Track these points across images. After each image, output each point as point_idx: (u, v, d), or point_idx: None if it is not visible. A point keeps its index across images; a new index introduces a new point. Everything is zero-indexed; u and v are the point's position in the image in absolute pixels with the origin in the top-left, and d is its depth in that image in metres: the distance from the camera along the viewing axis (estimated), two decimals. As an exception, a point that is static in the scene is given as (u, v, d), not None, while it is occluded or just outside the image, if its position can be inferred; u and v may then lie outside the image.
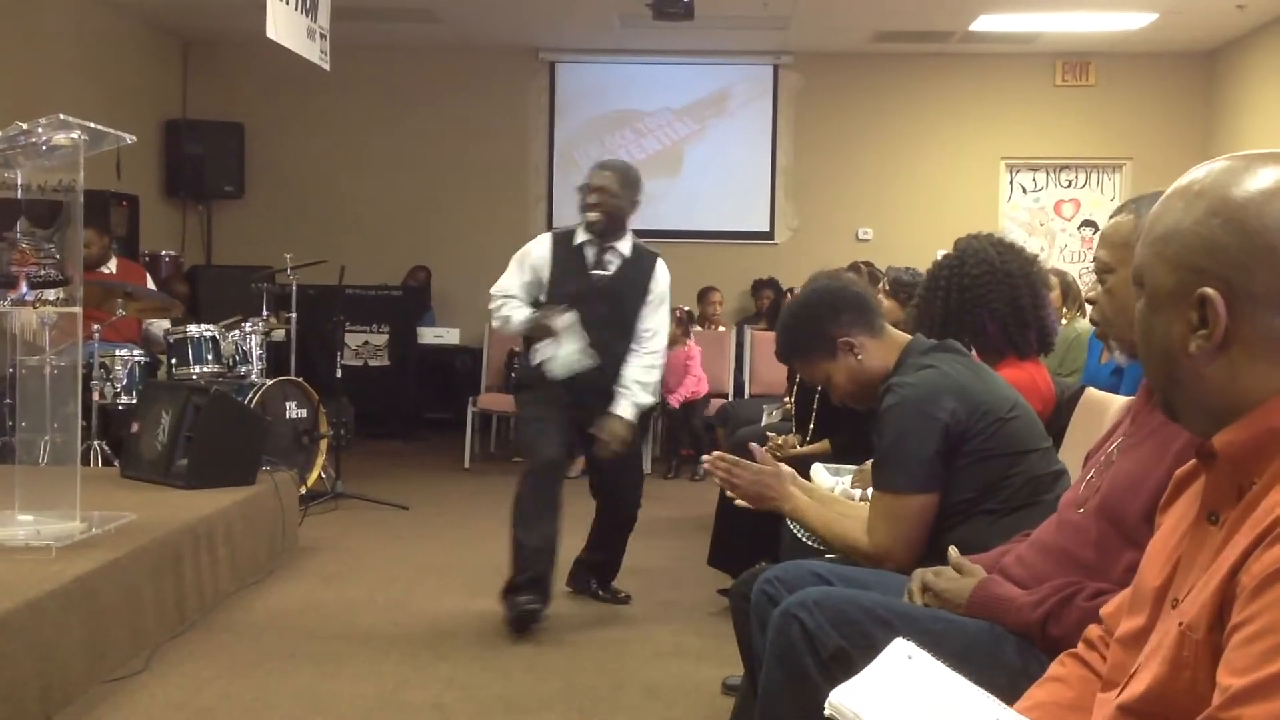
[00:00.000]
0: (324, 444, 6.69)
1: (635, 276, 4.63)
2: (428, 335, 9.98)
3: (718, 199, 10.72)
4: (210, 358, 6.42)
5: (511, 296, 4.69)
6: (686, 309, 8.81)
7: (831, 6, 9.03)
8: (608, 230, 4.57)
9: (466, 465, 8.34)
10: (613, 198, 4.57)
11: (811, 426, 4.82)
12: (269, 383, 6.39)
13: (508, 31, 10.10)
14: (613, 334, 4.60)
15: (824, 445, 4.61)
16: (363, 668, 3.98)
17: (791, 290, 9.47)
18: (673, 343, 8.19)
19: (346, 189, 10.59)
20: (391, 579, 5.20)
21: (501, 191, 10.74)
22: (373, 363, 9.53)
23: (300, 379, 6.69)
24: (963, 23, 9.38)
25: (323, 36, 6.77)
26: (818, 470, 3.93)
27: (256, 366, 6.58)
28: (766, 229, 10.75)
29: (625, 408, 4.56)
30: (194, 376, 6.28)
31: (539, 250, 4.65)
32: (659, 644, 4.34)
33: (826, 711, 1.44)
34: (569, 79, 10.89)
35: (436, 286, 10.56)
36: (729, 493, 2.90)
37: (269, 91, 10.27)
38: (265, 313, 6.88)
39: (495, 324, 4.76)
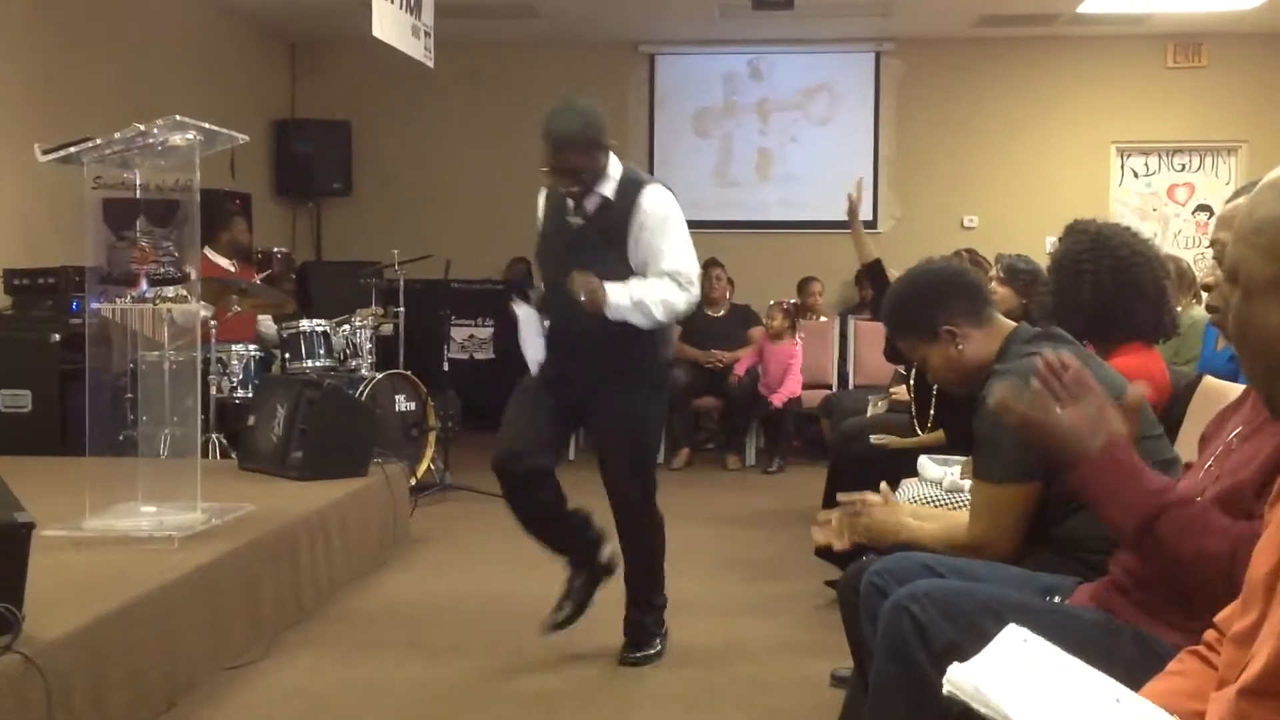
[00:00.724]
0: (432, 436, 6.79)
1: (616, 216, 3.84)
2: (532, 328, 10.04)
3: (818, 189, 10.64)
4: (322, 352, 6.55)
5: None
6: (794, 301, 8.75)
7: (934, -8, 8.93)
8: (590, 187, 3.86)
9: (571, 457, 8.38)
10: (585, 170, 3.81)
11: (931, 414, 4.75)
12: (379, 376, 6.50)
13: (607, 25, 10.14)
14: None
15: (936, 436, 4.56)
16: (474, 657, 4.04)
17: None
18: (778, 335, 8.19)
19: (450, 184, 10.71)
20: (500, 569, 5.26)
21: (602, 184, 10.76)
22: (478, 356, 9.64)
23: (409, 372, 6.80)
24: (1069, 5, 9.21)
25: (427, 34, 6.87)
26: (925, 463, 3.91)
27: (367, 360, 6.70)
28: (869, 218, 10.65)
29: (615, 289, 3.74)
30: (307, 370, 6.41)
31: (540, 202, 4.06)
32: (766, 636, 4.34)
33: (945, 689, 1.43)
34: (669, 71, 10.90)
35: (540, 281, 10.63)
36: (837, 543, 2.86)
37: (374, 89, 10.43)
38: (374, 307, 7.00)
39: None
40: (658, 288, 3.75)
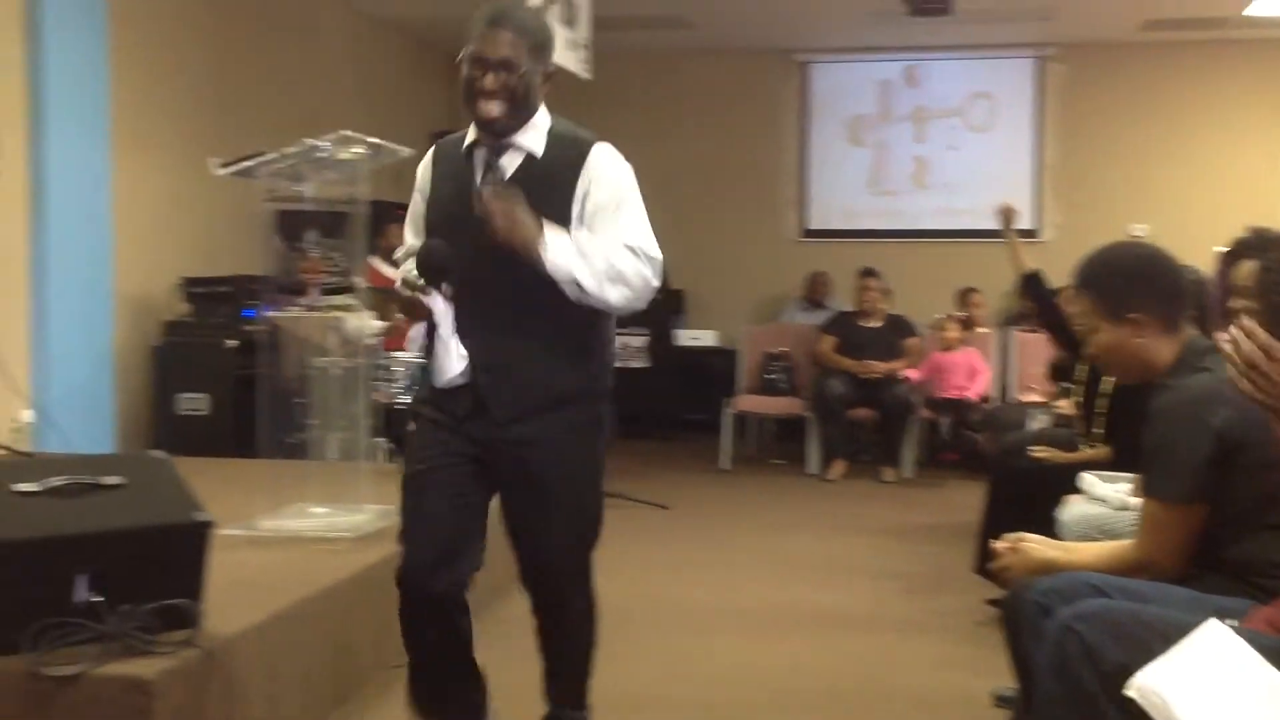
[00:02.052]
0: (586, 444, 6.85)
1: (549, 178, 2.76)
2: (684, 337, 10.10)
3: (978, 197, 10.44)
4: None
5: (412, 251, 2.94)
6: (965, 315, 8.62)
7: (1099, -5, 8.72)
8: (511, 124, 2.77)
9: (724, 466, 8.40)
10: (518, 74, 2.74)
11: (1097, 430, 4.62)
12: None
13: (760, 34, 10.13)
14: (518, 292, 2.72)
15: (1101, 452, 4.44)
16: (627, 663, 4.07)
17: (1059, 290, 9.15)
18: (949, 346, 8.07)
19: (604, 193, 10.80)
20: (653, 576, 5.29)
21: (753, 194, 10.78)
22: (632, 364, 9.70)
23: (563, 380, 6.87)
24: (1236, 7, 8.90)
25: (584, 47, 6.96)
26: (1091, 480, 3.80)
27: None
28: (1031, 226, 10.44)
29: (553, 231, 2.68)
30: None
31: (420, 169, 2.95)
32: (926, 653, 4.28)
33: (1129, 693, 1.40)
34: (822, 79, 10.84)
35: (686, 287, 10.68)
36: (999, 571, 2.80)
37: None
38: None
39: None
40: (618, 252, 2.71)
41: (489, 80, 2.73)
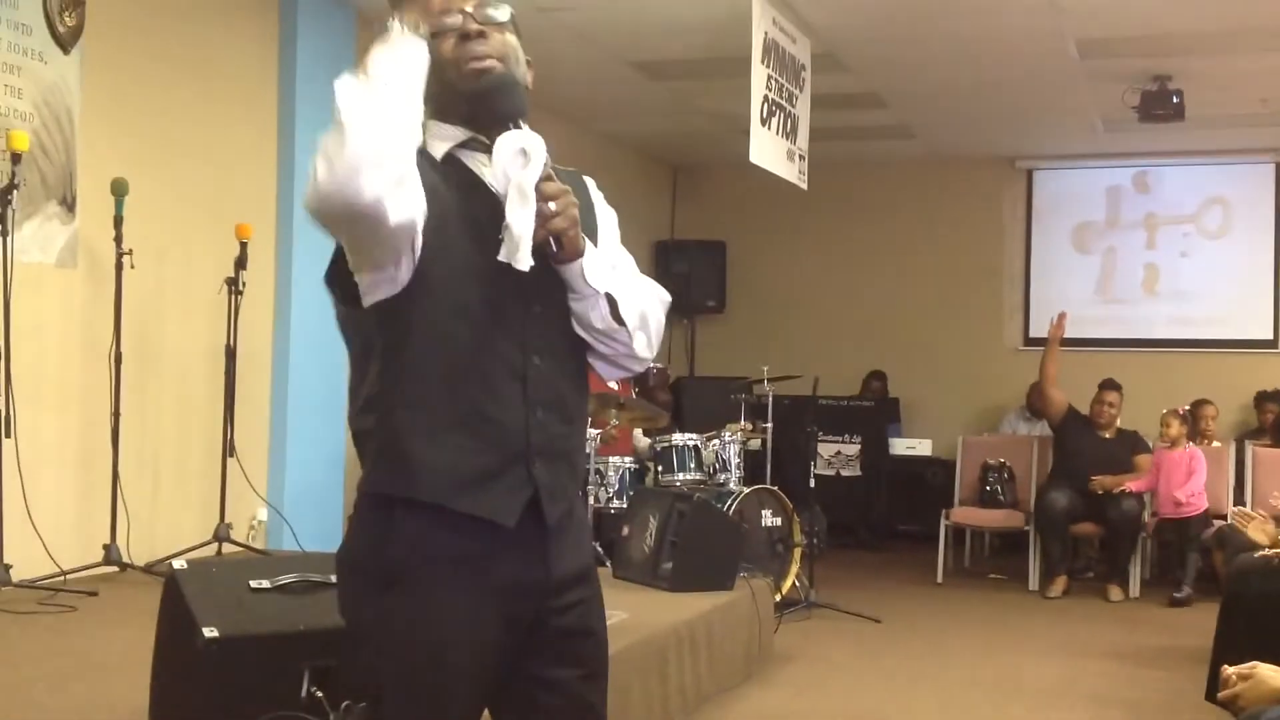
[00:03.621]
0: (798, 552, 6.81)
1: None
2: (899, 446, 9.96)
3: (1212, 305, 10.10)
4: (693, 465, 6.73)
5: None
6: (1186, 408, 8.22)
7: (1342, 98, 8.37)
8: (508, 105, 1.97)
9: (939, 580, 8.20)
10: (510, 48, 2.03)
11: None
12: (746, 491, 6.60)
13: (983, 142, 10.06)
14: (562, 357, 2.03)
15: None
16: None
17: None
18: (1174, 443, 7.73)
19: (819, 301, 10.84)
20: (865, 692, 5.19)
21: (974, 301, 10.63)
22: (844, 472, 9.62)
23: (775, 487, 6.87)
24: None
25: (801, 158, 7.04)
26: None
27: (735, 474, 6.83)
28: (1269, 336, 9.99)
29: (593, 253, 2.01)
30: (678, 483, 6.60)
31: None
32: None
33: None
34: (1048, 185, 10.68)
35: (902, 395, 10.56)
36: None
37: (749, 210, 10.74)
38: (743, 422, 7.14)
39: None
40: (648, 293, 2.11)
41: (479, 44, 1.99)
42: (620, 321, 2.02)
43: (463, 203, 1.97)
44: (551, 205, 1.93)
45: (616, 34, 7.28)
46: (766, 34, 6.26)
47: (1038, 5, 6.59)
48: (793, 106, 6.76)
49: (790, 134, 6.79)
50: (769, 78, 6.35)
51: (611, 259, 2.07)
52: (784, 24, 6.51)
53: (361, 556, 1.96)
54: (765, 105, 6.35)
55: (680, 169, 11.14)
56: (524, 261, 1.90)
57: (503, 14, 2.03)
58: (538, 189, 1.92)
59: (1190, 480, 7.61)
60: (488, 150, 1.97)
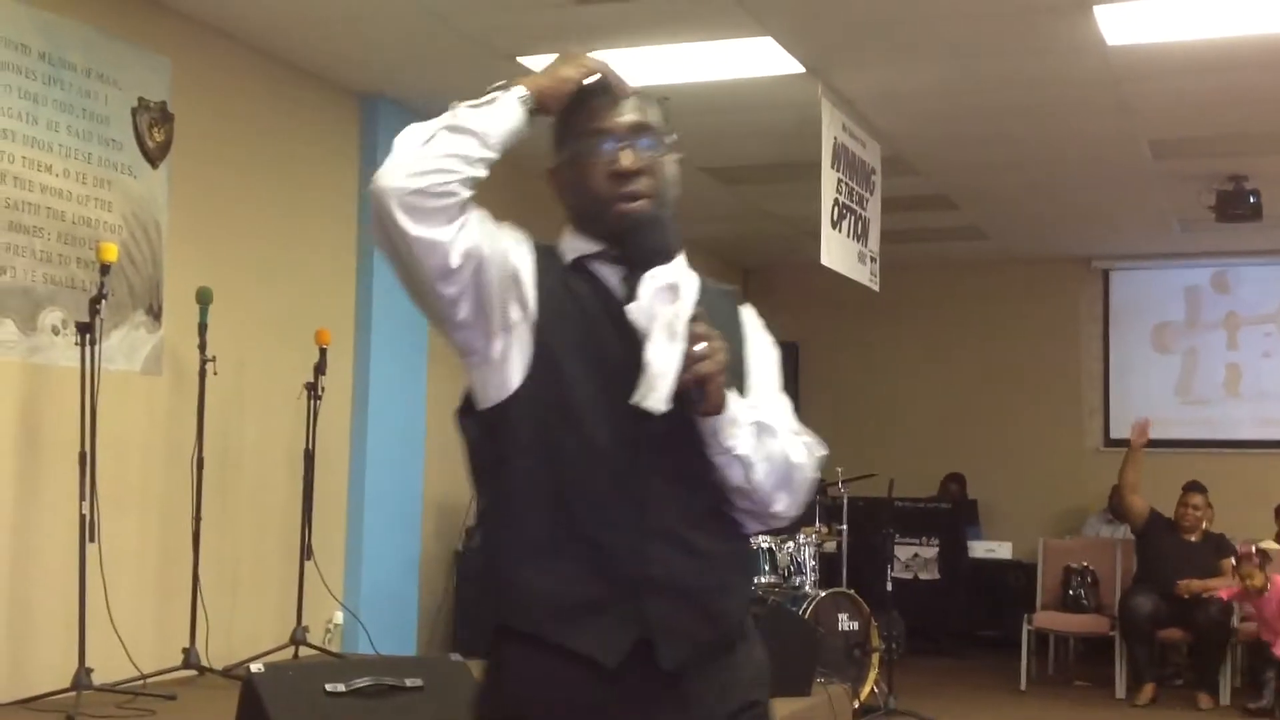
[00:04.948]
0: (876, 657, 6.70)
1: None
2: (978, 549, 9.81)
3: (1297, 405, 9.92)
4: (767, 568, 6.67)
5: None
6: (1258, 546, 7.87)
7: None
8: (657, 243, 1.87)
9: (1022, 687, 8.01)
10: (665, 183, 1.96)
11: None
12: (822, 594, 6.53)
13: (1058, 242, 10.03)
14: (692, 484, 1.86)
15: None
16: None
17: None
18: (1259, 591, 7.37)
19: (894, 402, 10.77)
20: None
21: (1051, 402, 10.51)
22: (922, 576, 9.48)
23: (851, 591, 6.79)
24: None
25: (872, 260, 7.07)
26: None
27: (810, 578, 6.76)
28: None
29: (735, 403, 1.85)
30: (753, 587, 6.54)
31: (518, 252, 1.88)
32: None
33: None
34: (1124, 285, 10.60)
35: (980, 497, 10.42)
36: None
37: (821, 311, 10.75)
38: (818, 524, 7.09)
39: None
40: (791, 443, 1.93)
41: (642, 183, 1.90)
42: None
43: (586, 316, 1.86)
44: (699, 347, 1.77)
45: (690, 140, 7.38)
46: (836, 139, 6.32)
47: (1107, 108, 6.61)
48: (863, 209, 6.80)
49: (861, 236, 6.82)
50: (839, 181, 6.40)
51: (759, 400, 1.91)
52: (853, 129, 6.58)
53: (481, 704, 1.87)
54: (836, 208, 6.40)
55: (751, 271, 11.20)
56: (660, 404, 1.75)
57: (663, 145, 1.96)
58: (692, 332, 1.78)
59: None
60: (619, 263, 1.88)
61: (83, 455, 4.82)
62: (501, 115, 1.84)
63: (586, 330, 1.85)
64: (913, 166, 7.79)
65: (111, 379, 5.15)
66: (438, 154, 1.78)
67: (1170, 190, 8.25)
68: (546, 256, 1.90)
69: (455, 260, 1.80)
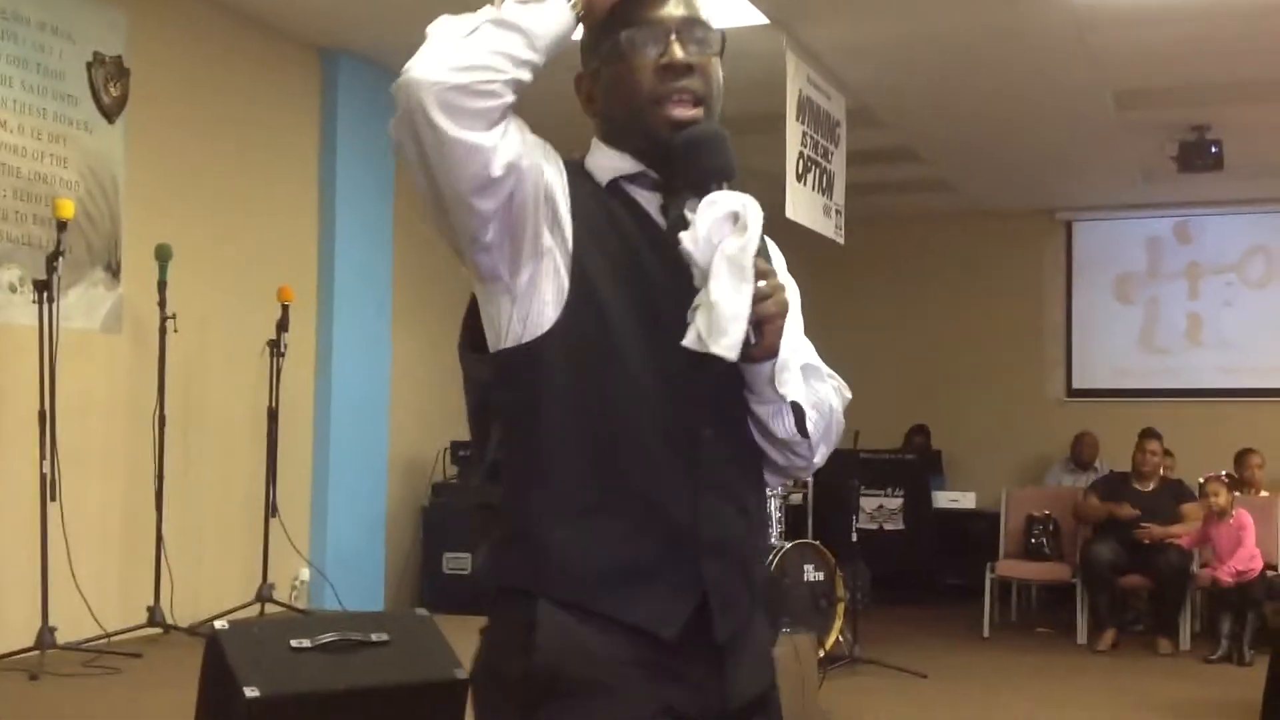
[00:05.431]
0: (841, 607, 6.75)
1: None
2: (942, 499, 9.88)
3: (1256, 355, 10.00)
4: (734, 522, 6.71)
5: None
6: (1228, 473, 8.12)
7: (1383, 143, 8.31)
8: (718, 161, 1.68)
9: (985, 634, 8.10)
10: (716, 88, 1.78)
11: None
12: (788, 545, 6.56)
13: (1022, 194, 10.05)
14: (740, 438, 1.73)
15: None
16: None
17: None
18: (1221, 512, 7.57)
19: (859, 354, 10.77)
20: (910, 750, 5.13)
21: (1015, 353, 10.58)
22: (888, 526, 9.55)
23: (817, 542, 6.83)
24: None
25: (838, 213, 7.07)
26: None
27: (776, 529, 6.79)
28: (1308, 387, 9.89)
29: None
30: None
31: (551, 168, 1.66)
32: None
33: None
34: (1087, 237, 10.65)
35: (945, 448, 10.50)
36: None
37: (787, 265, 10.75)
38: (785, 477, 7.12)
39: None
40: (826, 388, 1.83)
41: (685, 80, 1.71)
42: (804, 433, 1.72)
43: (628, 244, 1.66)
44: (761, 284, 1.60)
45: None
46: (801, 91, 6.30)
47: (1073, 58, 6.61)
48: (828, 162, 6.79)
49: (826, 190, 6.81)
50: (804, 134, 6.38)
51: (793, 344, 1.74)
52: (818, 81, 6.56)
53: (501, 665, 1.64)
54: (801, 161, 6.38)
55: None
56: (734, 351, 1.56)
57: (716, 39, 1.76)
58: (761, 279, 1.59)
59: (1243, 546, 7.45)
60: (659, 189, 1.70)
61: (42, 414, 4.79)
62: (551, 16, 1.60)
63: (629, 260, 1.66)
64: (878, 119, 7.78)
65: (70, 337, 5.11)
66: (484, 49, 1.55)
67: (1133, 141, 8.28)
68: (577, 174, 1.69)
69: (497, 169, 1.56)
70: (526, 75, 1.58)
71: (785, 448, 1.73)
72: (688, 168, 1.66)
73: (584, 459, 1.60)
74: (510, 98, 1.57)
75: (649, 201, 1.70)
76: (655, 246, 1.67)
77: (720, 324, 1.55)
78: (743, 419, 1.71)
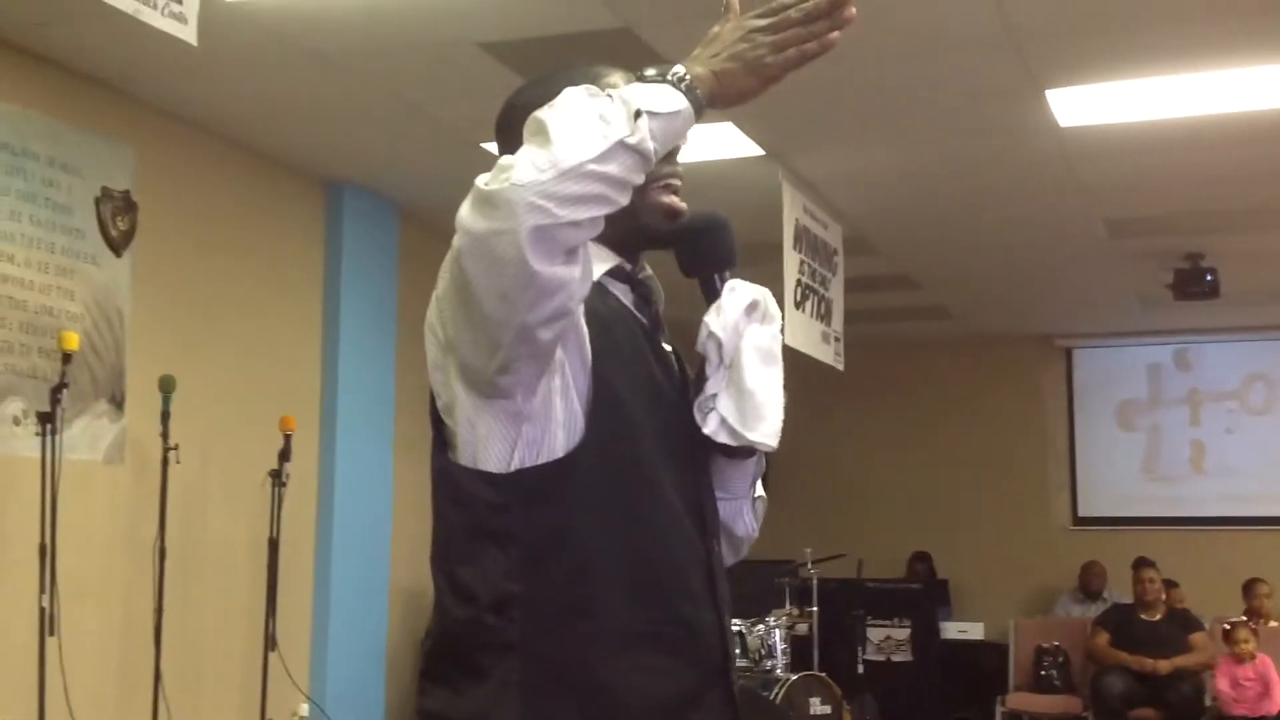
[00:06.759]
0: (848, 742, 6.64)
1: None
2: (951, 630, 9.77)
3: (1260, 482, 9.96)
4: (737, 652, 6.62)
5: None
6: (1231, 621, 7.88)
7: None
8: (727, 245, 1.74)
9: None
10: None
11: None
12: (794, 678, 6.48)
13: (1021, 321, 10.12)
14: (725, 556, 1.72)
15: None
16: None
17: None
18: (1243, 658, 7.41)
19: (859, 481, 10.77)
20: None
21: (1018, 481, 10.54)
22: (895, 658, 9.41)
23: (823, 674, 6.74)
24: None
25: (837, 339, 7.11)
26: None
27: (781, 661, 6.70)
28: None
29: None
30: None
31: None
32: None
33: None
34: (1087, 364, 10.69)
35: (950, 576, 10.41)
36: None
37: (785, 391, 10.77)
38: (788, 606, 7.05)
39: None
40: None
41: (675, 182, 1.63)
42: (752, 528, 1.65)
43: (633, 344, 1.54)
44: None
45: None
46: (797, 220, 6.39)
47: (1063, 186, 6.71)
48: (826, 290, 6.86)
49: (825, 317, 6.87)
50: (802, 262, 6.46)
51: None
52: (814, 210, 6.66)
53: None
54: (798, 289, 6.45)
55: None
56: (774, 439, 1.55)
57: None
58: None
59: (1272, 692, 7.30)
60: (629, 281, 1.59)
61: (43, 547, 4.77)
62: (679, 132, 1.40)
63: (637, 362, 1.53)
64: (874, 247, 7.87)
65: (73, 469, 5.11)
66: (608, 177, 1.32)
67: (1128, 269, 8.35)
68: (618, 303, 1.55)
69: (576, 302, 1.38)
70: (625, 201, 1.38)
71: (738, 546, 1.68)
72: (714, 249, 1.61)
73: (625, 586, 1.45)
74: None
75: (624, 295, 1.61)
76: (646, 343, 1.59)
77: (758, 411, 1.55)
78: (719, 524, 1.64)
